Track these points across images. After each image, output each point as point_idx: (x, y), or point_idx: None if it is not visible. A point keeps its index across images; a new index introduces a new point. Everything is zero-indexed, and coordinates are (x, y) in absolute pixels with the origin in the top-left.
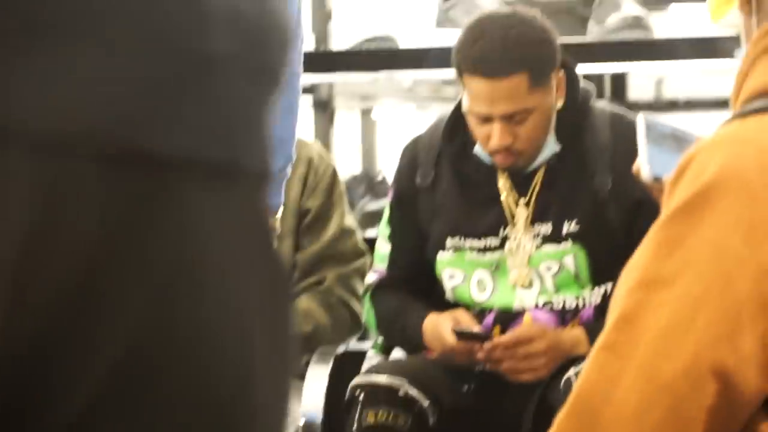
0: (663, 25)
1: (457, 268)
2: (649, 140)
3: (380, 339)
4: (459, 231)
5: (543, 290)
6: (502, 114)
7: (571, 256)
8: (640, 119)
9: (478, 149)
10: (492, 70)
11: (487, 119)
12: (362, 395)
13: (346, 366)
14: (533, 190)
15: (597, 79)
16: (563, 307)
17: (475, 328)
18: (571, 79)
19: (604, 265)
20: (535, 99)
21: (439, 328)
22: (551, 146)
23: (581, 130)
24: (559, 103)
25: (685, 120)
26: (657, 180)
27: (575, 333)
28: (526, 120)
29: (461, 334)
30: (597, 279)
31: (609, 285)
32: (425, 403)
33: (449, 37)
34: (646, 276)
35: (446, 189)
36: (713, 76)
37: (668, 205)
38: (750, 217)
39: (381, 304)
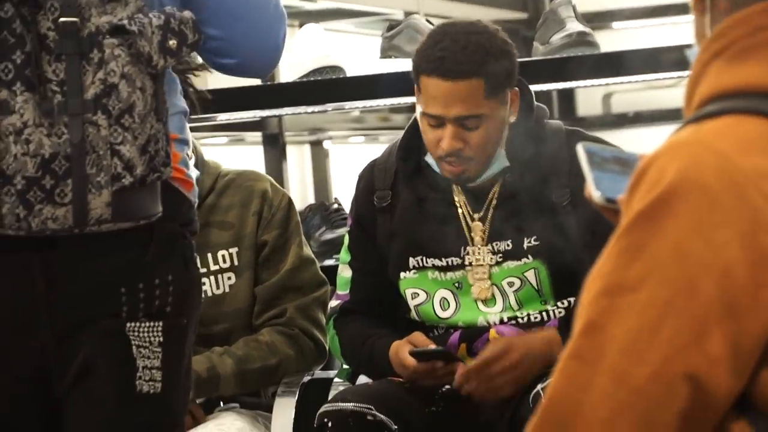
0: (608, 43)
1: (420, 288)
2: (593, 166)
3: (345, 366)
4: (420, 251)
5: (507, 307)
6: (455, 117)
7: (532, 272)
8: (580, 147)
9: (429, 158)
10: (450, 71)
11: (439, 123)
12: (330, 423)
13: (313, 395)
14: (489, 206)
15: (545, 98)
16: (528, 320)
17: (431, 346)
18: (525, 100)
19: (566, 280)
20: (488, 108)
21: (399, 355)
22: (501, 161)
23: (537, 147)
24: (512, 119)
25: (635, 134)
26: (610, 202)
27: (546, 333)
28: (478, 127)
29: (418, 354)
30: (559, 294)
31: (572, 299)
32: (394, 427)
33: (395, 65)
34: (610, 283)
35: (404, 209)
36: (661, 89)
37: (628, 211)
38: (710, 220)
39: (345, 331)
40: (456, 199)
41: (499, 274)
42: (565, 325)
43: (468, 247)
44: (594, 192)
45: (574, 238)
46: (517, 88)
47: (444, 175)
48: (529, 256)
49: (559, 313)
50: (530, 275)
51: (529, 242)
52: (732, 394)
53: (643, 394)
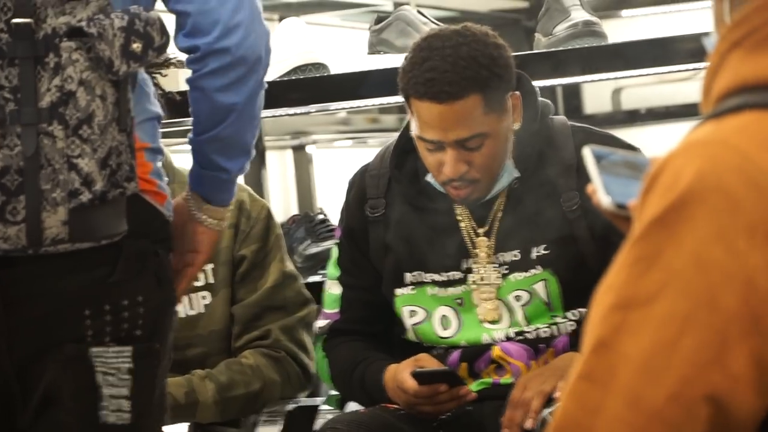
0: (617, 33)
1: (418, 305)
2: (601, 170)
3: (334, 392)
4: (418, 265)
5: (514, 323)
6: (455, 140)
7: (541, 284)
8: (587, 150)
9: (430, 179)
10: (443, 93)
11: (438, 147)
12: None
13: (299, 424)
14: (494, 218)
15: (549, 94)
16: (537, 335)
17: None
18: (528, 97)
19: (577, 291)
20: (490, 123)
21: (399, 376)
22: (509, 172)
23: (542, 148)
24: (516, 126)
25: (647, 132)
26: (620, 207)
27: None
28: (481, 146)
29: (421, 376)
30: (569, 305)
31: (582, 310)
32: None
33: (384, 61)
34: (623, 296)
35: (399, 220)
36: (676, 83)
37: (641, 218)
38: (733, 225)
39: (335, 354)
40: (458, 210)
41: (505, 288)
42: (577, 340)
43: (473, 264)
44: (603, 197)
45: (585, 244)
46: (517, 92)
47: (451, 197)
48: (538, 267)
49: (570, 325)
50: (539, 287)
51: (538, 251)
52: (757, 416)
53: (660, 418)
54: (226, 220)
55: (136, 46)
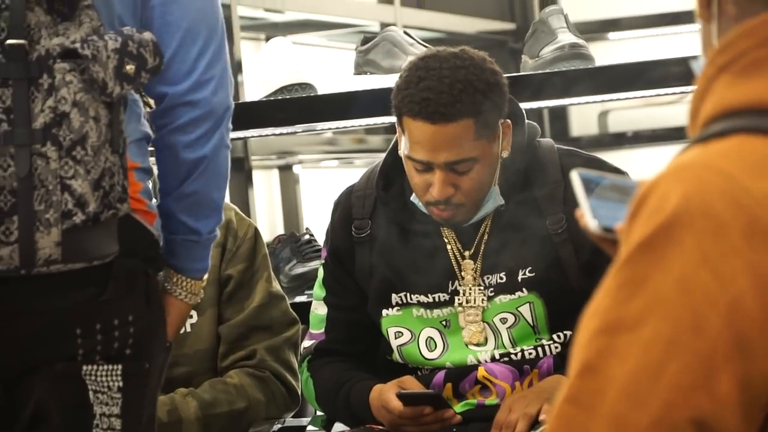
0: (604, 55)
1: (404, 326)
2: (588, 194)
3: (320, 412)
4: (404, 286)
5: (500, 345)
6: (444, 162)
7: (527, 306)
8: (574, 174)
9: (414, 199)
10: (436, 114)
11: (427, 167)
12: None
13: None
14: (480, 240)
15: (535, 116)
16: (522, 357)
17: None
18: (517, 121)
19: (563, 313)
20: (480, 148)
21: (384, 396)
22: (495, 199)
23: (529, 170)
24: (504, 154)
25: (634, 155)
26: (607, 231)
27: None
28: (470, 171)
29: (406, 398)
30: (555, 328)
31: (568, 333)
32: None
33: (371, 82)
34: (609, 320)
35: (385, 241)
36: (663, 106)
37: (627, 241)
38: (717, 249)
39: (320, 374)
40: (444, 232)
41: (490, 311)
42: (561, 362)
43: (459, 287)
44: (590, 221)
45: (571, 268)
46: (508, 120)
47: (433, 217)
48: (524, 290)
49: (556, 348)
50: (525, 310)
51: (524, 274)
52: None
53: None
54: (200, 295)
55: (130, 67)
